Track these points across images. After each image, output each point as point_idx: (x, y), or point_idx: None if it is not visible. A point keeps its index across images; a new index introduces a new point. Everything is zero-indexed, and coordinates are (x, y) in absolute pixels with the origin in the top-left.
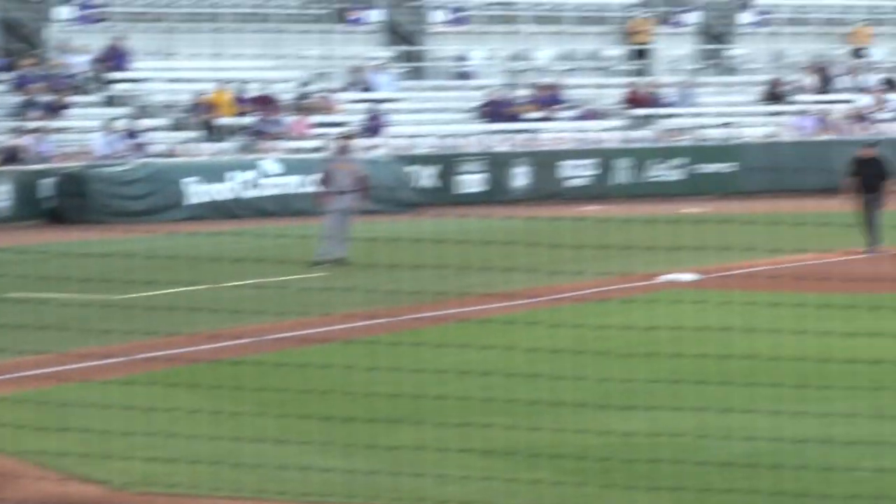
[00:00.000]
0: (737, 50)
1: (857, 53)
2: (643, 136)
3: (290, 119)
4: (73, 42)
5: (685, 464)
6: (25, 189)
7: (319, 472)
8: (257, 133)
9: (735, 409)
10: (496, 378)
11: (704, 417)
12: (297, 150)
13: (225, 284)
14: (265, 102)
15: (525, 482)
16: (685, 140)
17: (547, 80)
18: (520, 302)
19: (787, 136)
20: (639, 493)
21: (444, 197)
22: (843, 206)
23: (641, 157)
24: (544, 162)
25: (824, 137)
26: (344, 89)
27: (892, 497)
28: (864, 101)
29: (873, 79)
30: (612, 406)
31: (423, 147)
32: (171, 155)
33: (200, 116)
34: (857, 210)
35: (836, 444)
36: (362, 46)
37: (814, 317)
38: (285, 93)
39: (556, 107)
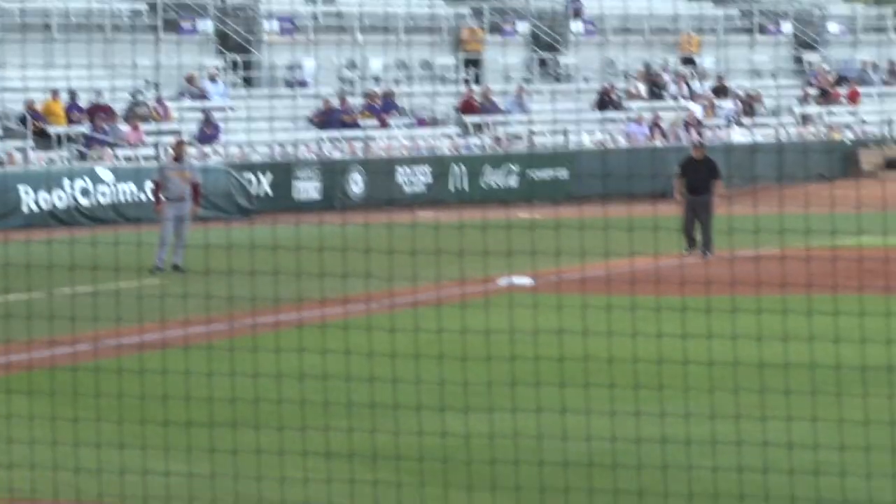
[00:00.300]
0: (568, 58)
1: (687, 61)
2: (477, 143)
3: (123, 127)
4: None
5: (524, 464)
6: None
7: (160, 476)
8: (91, 141)
9: (572, 409)
10: (335, 382)
11: (542, 418)
12: (132, 159)
13: (61, 291)
14: (98, 111)
15: (366, 483)
16: (519, 147)
17: (380, 88)
18: (356, 307)
19: (619, 142)
20: (479, 493)
21: (279, 204)
22: (673, 210)
23: (476, 163)
24: (379, 169)
25: (656, 144)
26: (177, 98)
27: (730, 494)
28: (694, 107)
29: (703, 86)
30: (450, 408)
31: (258, 155)
32: (3, 163)
33: (32, 125)
34: (683, 211)
35: (672, 444)
36: (195, 55)
37: (648, 319)
38: (118, 101)
39: (390, 114)
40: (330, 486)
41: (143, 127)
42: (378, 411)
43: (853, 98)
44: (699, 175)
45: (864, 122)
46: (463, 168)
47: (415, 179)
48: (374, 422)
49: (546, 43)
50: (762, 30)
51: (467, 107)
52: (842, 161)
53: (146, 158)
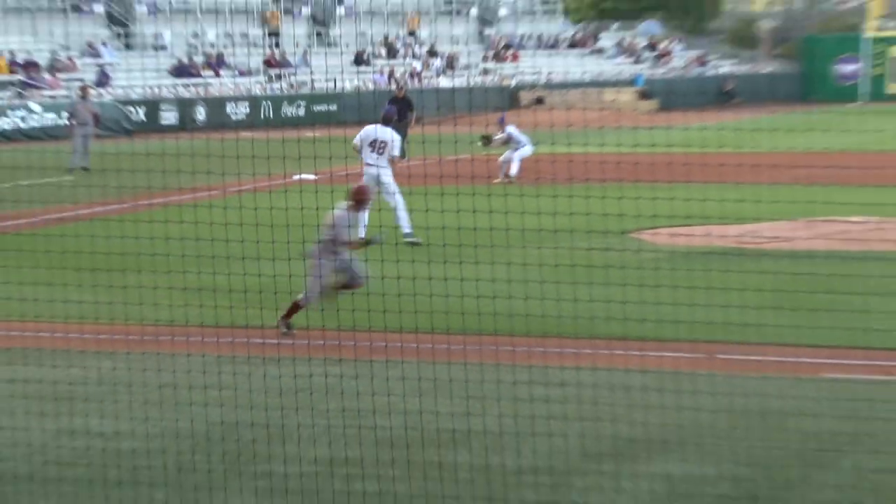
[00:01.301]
0: (335, 31)
1: (411, 33)
2: (277, 87)
3: (47, 76)
4: None
5: None
6: None
7: None
8: (26, 86)
9: None
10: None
11: None
12: (53, 97)
13: (12, 184)
14: (30, 66)
15: None
16: (304, 90)
17: (214, 51)
18: (202, 194)
19: (368, 87)
20: None
21: (150, 127)
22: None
23: (277, 100)
24: (215, 104)
25: (391, 88)
26: (81, 56)
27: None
28: (416, 64)
29: (421, 49)
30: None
31: (136, 94)
32: None
33: None
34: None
35: None
36: (92, 28)
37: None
38: (43, 59)
39: (221, 68)
40: None
41: (60, 76)
42: None
43: (515, 58)
44: (401, 107)
45: (521, 73)
46: (269, 104)
47: (238, 111)
48: None
49: (322, 20)
50: (458, 12)
51: (270, 63)
52: (509, 98)
53: (63, 97)
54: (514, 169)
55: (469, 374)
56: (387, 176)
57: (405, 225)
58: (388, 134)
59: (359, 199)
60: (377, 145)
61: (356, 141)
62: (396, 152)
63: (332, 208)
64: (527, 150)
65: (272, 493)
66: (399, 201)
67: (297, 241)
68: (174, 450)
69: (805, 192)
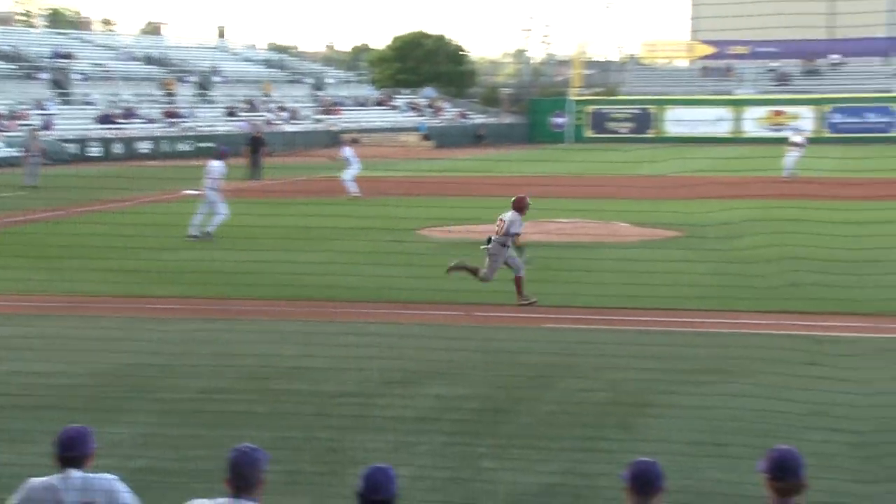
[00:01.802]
0: (216, 92)
1: (266, 95)
2: (173, 130)
3: (7, 122)
4: None
5: None
6: None
7: None
8: None
9: None
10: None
11: None
12: (11, 137)
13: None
14: None
15: None
16: (191, 133)
17: (128, 105)
18: (123, 204)
19: (237, 130)
20: None
21: (81, 158)
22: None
23: (173, 140)
24: (128, 141)
25: (252, 132)
26: (33, 109)
27: None
28: (270, 116)
29: (273, 107)
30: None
31: (72, 135)
32: None
33: None
34: (248, 160)
35: None
36: (40, 89)
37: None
38: (4, 110)
39: (134, 117)
40: None
41: (17, 122)
42: None
43: (338, 112)
44: (258, 144)
45: (343, 122)
46: (168, 142)
47: (145, 147)
48: None
49: (204, 86)
50: (299, 81)
51: (168, 114)
52: (335, 139)
53: (19, 137)
54: (351, 188)
55: (304, 328)
56: (215, 195)
57: (209, 224)
58: (217, 165)
59: (519, 206)
60: (212, 172)
61: (205, 171)
62: (217, 176)
63: (502, 216)
64: (352, 171)
65: (167, 413)
66: (222, 212)
67: (182, 236)
68: (95, 384)
69: (532, 202)
